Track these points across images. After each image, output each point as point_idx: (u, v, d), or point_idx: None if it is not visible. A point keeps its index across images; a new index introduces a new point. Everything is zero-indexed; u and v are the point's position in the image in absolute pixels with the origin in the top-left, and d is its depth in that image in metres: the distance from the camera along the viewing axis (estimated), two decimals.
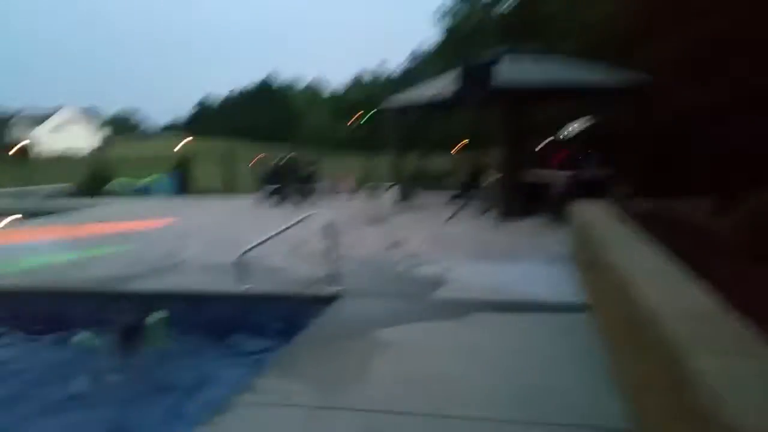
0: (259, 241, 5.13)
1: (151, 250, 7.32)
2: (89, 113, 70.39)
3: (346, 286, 4.96)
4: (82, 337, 4.53)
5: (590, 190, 7.33)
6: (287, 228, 5.13)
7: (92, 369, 4.18)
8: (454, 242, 7.23)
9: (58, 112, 66.16)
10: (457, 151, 14.82)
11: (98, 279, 5.63)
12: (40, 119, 64.69)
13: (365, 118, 12.51)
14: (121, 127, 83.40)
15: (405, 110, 11.61)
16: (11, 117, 61.58)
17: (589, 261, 4.39)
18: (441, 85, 10.19)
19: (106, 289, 5.22)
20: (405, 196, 11.79)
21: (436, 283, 5.14)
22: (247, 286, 4.99)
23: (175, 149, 16.15)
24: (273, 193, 11.98)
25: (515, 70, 8.95)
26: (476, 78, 8.33)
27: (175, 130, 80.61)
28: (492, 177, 10.44)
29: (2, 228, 10.61)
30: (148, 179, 15.41)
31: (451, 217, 8.90)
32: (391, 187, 12.19)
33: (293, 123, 66.93)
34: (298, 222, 5.09)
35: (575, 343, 3.68)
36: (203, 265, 6.20)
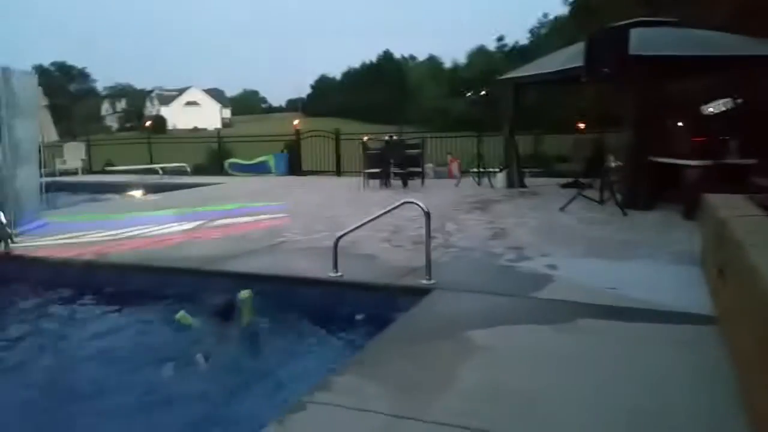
0: (354, 226, 4.93)
1: (250, 230, 7.42)
2: (214, 93, 75.07)
3: (441, 279, 4.64)
4: (180, 315, 4.60)
5: (730, 180, 6.38)
6: (383, 213, 4.88)
7: (193, 345, 4.23)
8: (565, 234, 6.65)
9: (186, 92, 70.92)
10: (576, 133, 13.84)
11: (195, 258, 5.73)
12: (170, 98, 69.87)
13: (479, 95, 11.89)
14: (244, 106, 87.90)
15: (521, 86, 10.93)
16: (146, 95, 67.30)
17: (722, 264, 3.72)
18: (563, 58, 9.45)
19: (200, 267, 5.28)
20: (516, 180, 11.18)
21: (540, 280, 4.67)
22: (337, 274, 4.82)
23: (290, 128, 16.41)
24: (377, 175, 11.84)
25: (651, 37, 8.03)
26: (608, 44, 7.53)
27: (293, 110, 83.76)
28: (614, 162, 9.58)
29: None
30: (258, 159, 15.89)
31: (565, 206, 8.25)
32: (502, 170, 11.61)
33: (408, 101, 66.77)
34: (395, 208, 4.80)
35: (697, 361, 3.11)
36: (299, 248, 6.14)
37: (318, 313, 4.71)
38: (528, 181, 11.87)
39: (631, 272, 4.97)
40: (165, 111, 68.60)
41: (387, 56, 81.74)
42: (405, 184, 11.72)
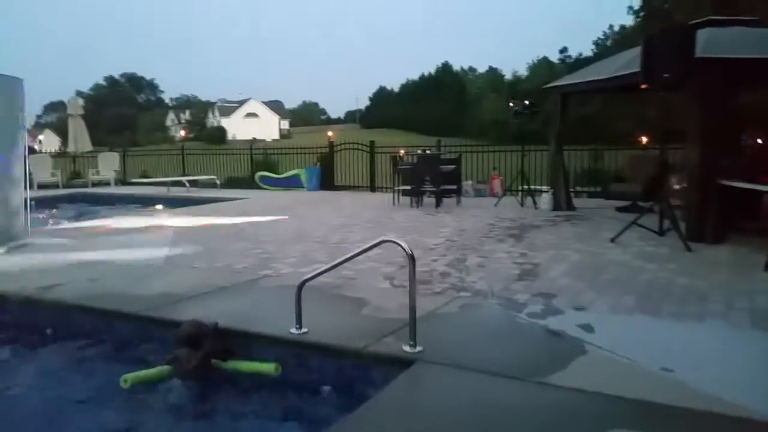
0: (328, 266, 3.83)
1: (235, 258, 6.44)
2: (274, 105, 75.93)
3: (432, 343, 3.47)
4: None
5: None
6: (355, 255, 3.74)
7: None
8: (612, 276, 5.32)
9: (246, 104, 72.07)
10: (634, 149, 12.30)
11: (147, 297, 4.77)
12: (231, 110, 71.18)
13: (523, 105, 10.60)
14: (303, 118, 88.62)
15: (568, 95, 9.60)
16: (209, 106, 68.92)
17: None
18: (621, 63, 8.11)
19: (138, 312, 4.28)
20: (564, 202, 9.81)
21: (566, 351, 3.42)
22: (300, 330, 3.73)
23: (342, 139, 15.55)
24: (408, 192, 10.71)
25: (723, 38, 6.65)
26: (670, 46, 6.20)
27: (351, 122, 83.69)
28: (677, 183, 8.13)
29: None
30: (290, 173, 15.06)
31: (616, 237, 6.88)
32: (548, 190, 10.27)
33: (466, 113, 65.18)
34: (371, 248, 3.67)
35: None
36: (281, 286, 5.08)
37: (275, 381, 3.63)
38: (580, 202, 10.49)
39: (696, 340, 3.64)
40: (225, 122, 69.80)
41: (446, 68, 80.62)
42: (438, 204, 10.54)
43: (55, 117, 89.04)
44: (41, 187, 15.31)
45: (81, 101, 17.35)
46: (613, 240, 6.82)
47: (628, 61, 7.78)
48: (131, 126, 79.82)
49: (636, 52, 7.61)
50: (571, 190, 11.13)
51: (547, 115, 10.06)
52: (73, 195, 14.58)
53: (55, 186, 15.77)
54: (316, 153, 15.46)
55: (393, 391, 3.01)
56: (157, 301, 4.52)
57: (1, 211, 6.76)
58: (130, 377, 3.34)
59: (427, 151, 11.20)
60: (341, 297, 4.67)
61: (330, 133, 16.45)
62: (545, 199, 10.09)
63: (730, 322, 4.01)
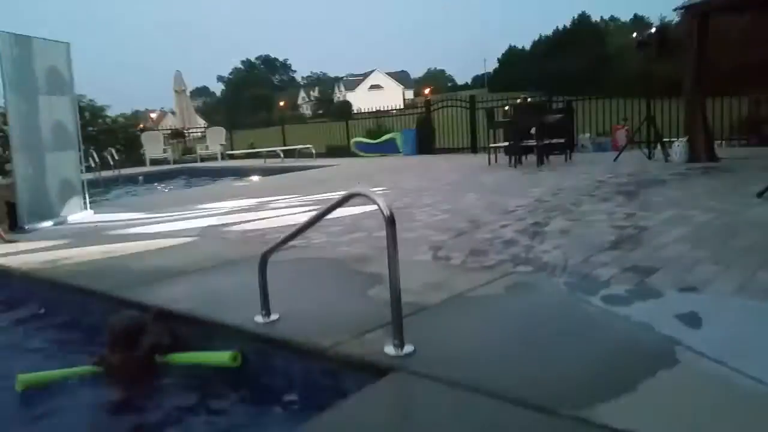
0: (289, 233, 2.78)
1: (276, 225, 5.61)
2: (399, 76, 75.18)
3: (432, 341, 2.35)
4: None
5: None
6: (328, 211, 2.63)
7: None
8: (749, 242, 3.73)
9: (370, 76, 72.13)
10: None
11: (140, 271, 4.06)
12: (355, 83, 71.71)
13: (648, 34, 8.64)
14: (431, 85, 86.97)
15: (708, 16, 7.54)
16: (336, 82, 69.94)
17: None
18: None
19: (108, 291, 3.53)
20: (701, 152, 7.86)
21: (647, 358, 2.11)
22: (266, 319, 2.76)
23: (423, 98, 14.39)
24: (507, 150, 9.28)
25: None
26: None
27: (480, 87, 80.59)
28: None
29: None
30: (385, 137, 14.07)
31: (765, 191, 5.09)
32: (682, 139, 8.34)
33: (608, 68, 59.60)
34: (337, 206, 2.53)
35: None
36: (309, 258, 4.14)
37: (239, 379, 2.72)
38: (728, 152, 8.41)
39: None
40: (350, 96, 70.40)
41: (583, 20, 74.35)
42: (540, 161, 8.98)
43: (201, 101, 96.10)
44: (153, 162, 15.84)
45: (184, 78, 17.73)
46: (760, 195, 5.04)
47: None
48: (268, 106, 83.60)
49: None
50: (719, 140, 9.06)
51: (677, 45, 8.06)
52: (180, 169, 14.88)
53: (166, 162, 16.25)
54: (417, 114, 14.34)
55: (363, 401, 1.96)
56: (145, 278, 3.80)
57: (51, 185, 6.49)
58: (25, 378, 2.59)
59: (528, 100, 9.62)
60: (357, 273, 3.63)
61: (426, 91, 15.20)
62: (678, 150, 8.18)
63: None
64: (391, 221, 2.26)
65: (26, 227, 6.01)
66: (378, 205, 2.28)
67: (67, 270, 4.18)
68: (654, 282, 3.05)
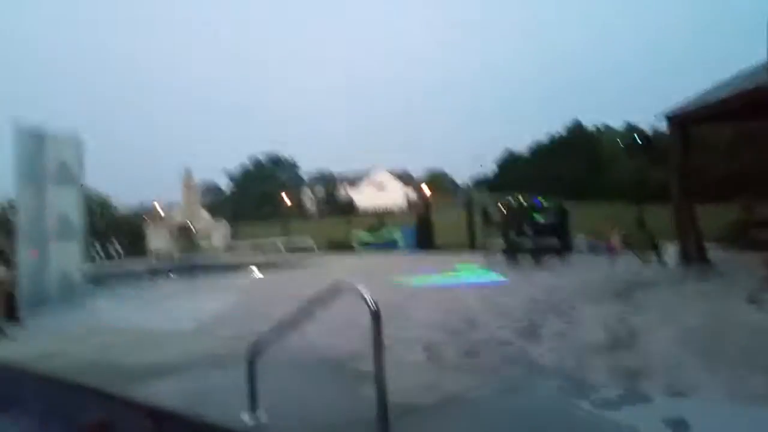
0: (277, 329, 2.84)
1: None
2: (401, 174, 76.99)
3: None
4: None
5: None
6: (314, 305, 2.69)
7: None
8: (740, 347, 3.76)
9: (373, 173, 73.71)
10: None
11: (132, 366, 4.06)
12: (357, 180, 73.25)
13: (637, 139, 9.01)
14: (432, 184, 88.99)
15: (689, 124, 7.93)
16: (338, 179, 71.83)
17: None
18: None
19: (100, 387, 3.54)
20: (692, 254, 7.99)
21: None
22: (254, 421, 2.76)
23: (423, 199, 14.80)
24: (506, 250, 9.43)
25: None
26: None
27: (482, 187, 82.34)
28: None
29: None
30: (385, 234, 14.33)
31: (756, 295, 5.16)
32: (677, 244, 8.48)
33: (602, 173, 61.05)
34: (330, 295, 2.61)
35: None
36: (288, 359, 4.15)
37: None
38: (719, 255, 8.54)
39: None
40: (353, 193, 71.70)
41: (576, 127, 77.20)
42: (536, 261, 9.11)
43: (208, 199, 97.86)
44: (157, 256, 15.98)
45: (193, 174, 18.26)
46: (753, 300, 5.11)
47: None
48: (273, 203, 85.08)
49: None
50: (711, 242, 9.23)
51: (664, 152, 8.43)
52: (182, 265, 14.96)
53: (169, 255, 16.37)
54: (416, 213, 14.68)
55: None
56: (137, 374, 3.79)
57: (52, 277, 6.58)
58: None
59: (523, 203, 9.91)
60: (355, 372, 3.63)
61: (426, 190, 15.64)
62: (670, 253, 8.31)
63: None
64: (376, 316, 2.34)
65: (24, 318, 6.02)
66: (365, 299, 2.37)
67: (59, 365, 4.16)
68: (645, 386, 3.07)
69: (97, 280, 10.79)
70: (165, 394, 3.30)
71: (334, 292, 2.56)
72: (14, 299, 6.10)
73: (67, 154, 6.92)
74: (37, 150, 6.45)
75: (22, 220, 6.19)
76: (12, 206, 13.23)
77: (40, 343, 5.03)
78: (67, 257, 6.87)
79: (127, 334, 5.33)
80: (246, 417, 2.76)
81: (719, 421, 2.55)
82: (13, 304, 6.06)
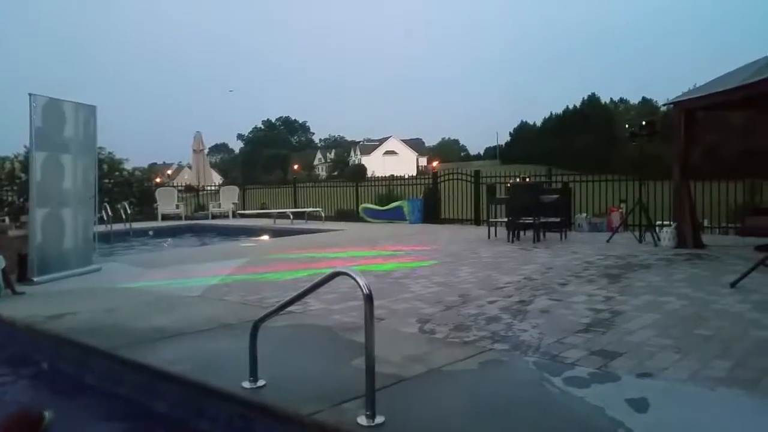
0: (279, 305, 3.10)
1: (271, 293, 5.90)
2: (414, 143, 77.10)
3: (401, 416, 2.61)
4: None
5: None
6: (313, 288, 2.95)
7: None
8: (712, 331, 3.98)
9: (386, 142, 73.83)
10: None
11: (144, 329, 4.36)
12: (371, 148, 73.44)
13: (640, 126, 9.13)
14: (444, 154, 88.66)
15: (693, 112, 8.02)
16: (353, 146, 72.03)
17: None
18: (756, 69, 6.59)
19: (111, 350, 3.83)
20: (688, 238, 8.16)
21: None
22: (253, 384, 3.03)
23: (431, 170, 14.92)
24: (508, 224, 9.63)
25: None
26: None
27: (492, 158, 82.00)
28: None
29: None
30: (392, 205, 14.52)
31: (738, 280, 5.36)
32: (671, 224, 8.65)
33: (617, 147, 60.55)
34: (319, 285, 2.87)
35: None
36: (293, 325, 4.43)
37: None
38: (714, 239, 8.71)
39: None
40: (365, 160, 72.10)
41: (593, 100, 76.19)
42: (537, 238, 9.32)
43: (218, 158, 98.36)
44: (165, 218, 16.31)
45: (203, 138, 18.46)
46: (734, 284, 5.31)
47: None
48: (284, 165, 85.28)
49: None
50: (717, 225, 9.39)
51: (667, 137, 8.53)
52: (190, 226, 15.35)
53: (178, 217, 16.72)
54: (424, 184, 14.84)
55: None
56: (143, 337, 4.09)
57: (64, 239, 6.85)
58: None
59: (527, 180, 10.05)
60: (348, 342, 3.90)
61: (435, 164, 15.74)
62: (667, 235, 8.48)
63: None
64: (369, 298, 2.58)
65: (35, 279, 6.30)
66: (358, 283, 2.60)
67: (70, 327, 4.45)
68: (616, 366, 3.30)
69: (109, 242, 11.15)
70: (173, 358, 3.59)
71: (333, 276, 2.80)
72: (25, 259, 6.35)
73: (83, 121, 7.12)
74: (54, 116, 6.62)
75: (35, 185, 6.39)
76: (24, 165, 13.53)
77: (51, 304, 5.32)
78: (80, 221, 7.11)
79: (136, 297, 5.64)
80: (246, 383, 3.03)
81: (678, 401, 2.78)
82: (25, 264, 6.33)
